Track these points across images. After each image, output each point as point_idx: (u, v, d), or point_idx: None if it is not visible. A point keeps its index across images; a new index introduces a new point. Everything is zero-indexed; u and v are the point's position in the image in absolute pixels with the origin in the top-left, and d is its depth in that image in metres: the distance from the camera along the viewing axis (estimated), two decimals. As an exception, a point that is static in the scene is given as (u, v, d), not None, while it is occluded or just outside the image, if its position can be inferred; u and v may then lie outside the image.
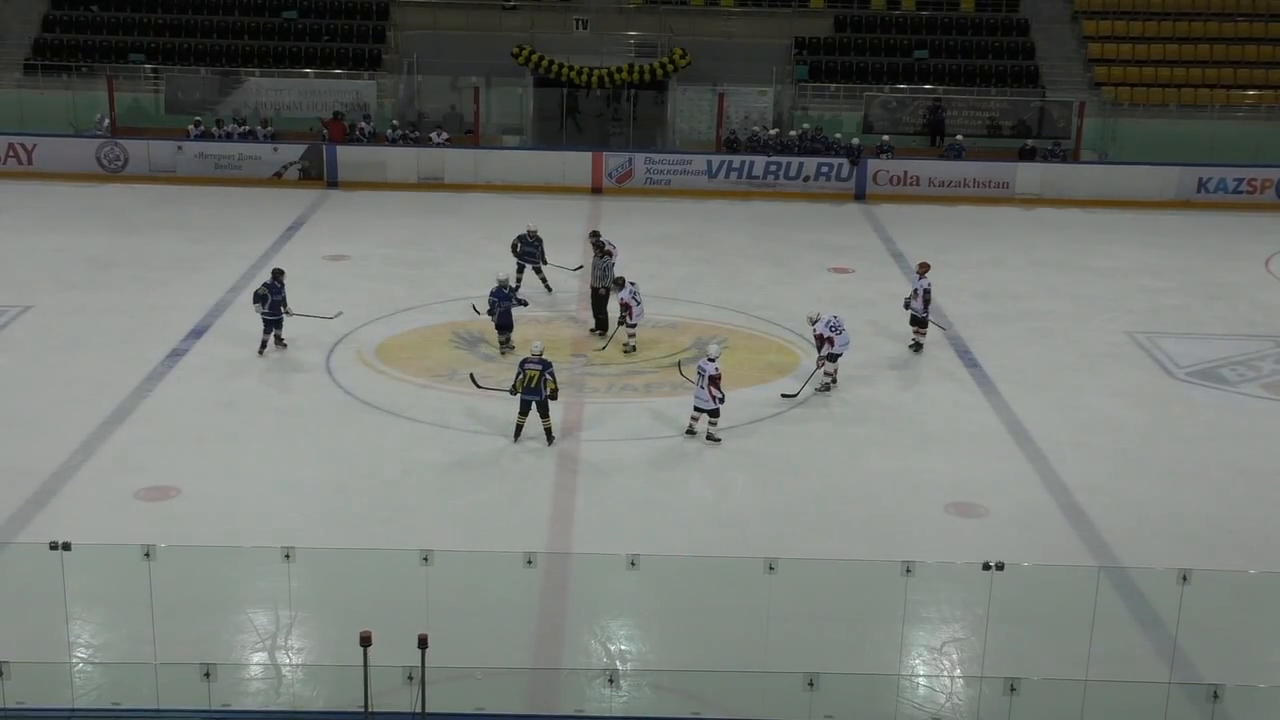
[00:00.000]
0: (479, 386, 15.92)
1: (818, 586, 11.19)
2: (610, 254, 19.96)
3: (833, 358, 16.80)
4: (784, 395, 16.67)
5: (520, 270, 20.53)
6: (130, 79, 31.21)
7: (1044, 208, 28.51)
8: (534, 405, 14.95)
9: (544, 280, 20.77)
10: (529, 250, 20.55)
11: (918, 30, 33.49)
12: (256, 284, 18.38)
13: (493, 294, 17.71)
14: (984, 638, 10.55)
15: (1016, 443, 15.64)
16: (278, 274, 17.87)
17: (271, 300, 17.52)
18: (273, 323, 17.66)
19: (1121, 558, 12.69)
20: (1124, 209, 28.44)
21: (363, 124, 29.85)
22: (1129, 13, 33.66)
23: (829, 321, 16.73)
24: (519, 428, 15.11)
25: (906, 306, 18.54)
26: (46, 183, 27.94)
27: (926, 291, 18.35)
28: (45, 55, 31.88)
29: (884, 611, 10.99)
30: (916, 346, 18.56)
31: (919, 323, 18.55)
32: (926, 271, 18.66)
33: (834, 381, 16.95)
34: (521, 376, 14.93)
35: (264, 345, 17.71)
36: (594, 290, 19.07)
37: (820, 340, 16.74)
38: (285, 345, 17.86)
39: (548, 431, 15.07)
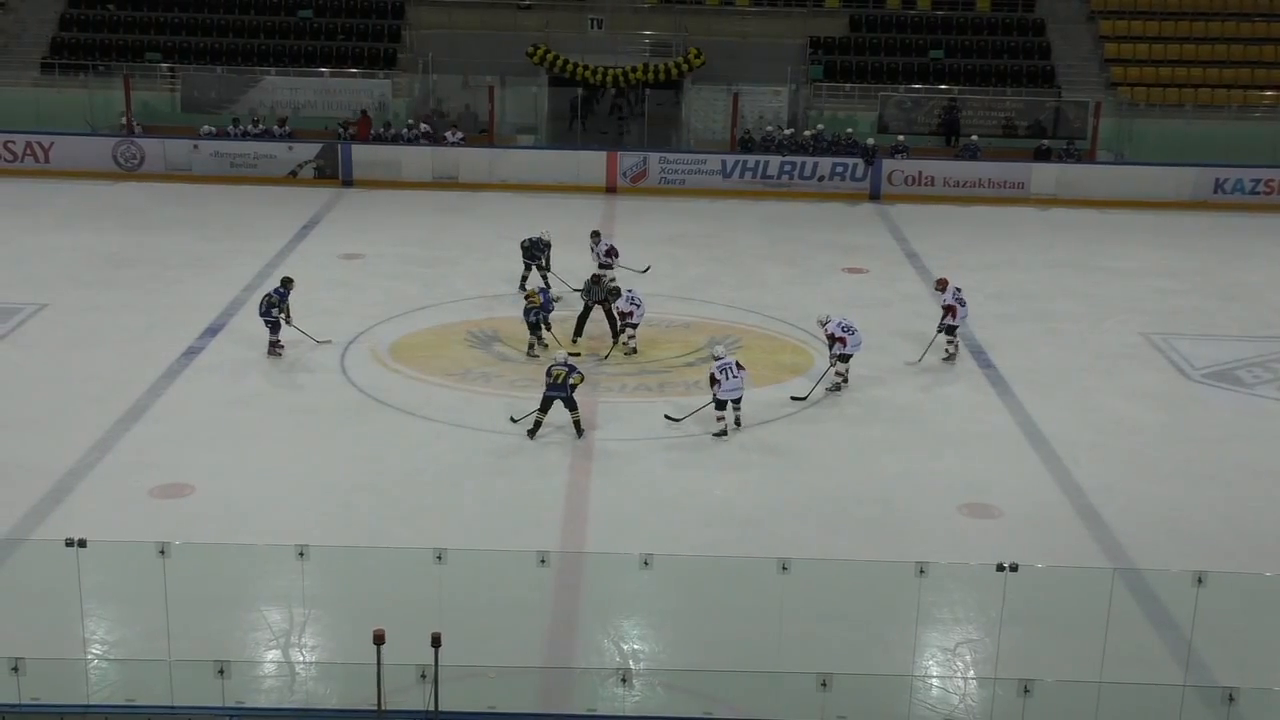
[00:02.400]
0: (516, 420, 15.65)
1: (831, 587, 11.16)
2: (614, 254, 19.97)
3: (844, 358, 16.78)
4: (794, 398, 16.65)
5: (526, 269, 20.67)
6: (146, 78, 31.32)
7: (1059, 208, 28.42)
8: (559, 401, 15.08)
9: (545, 281, 20.80)
10: (532, 252, 20.68)
11: (933, 30, 33.41)
12: (273, 282, 18.44)
13: (543, 303, 17.78)
14: (997, 639, 10.52)
15: (1031, 443, 15.60)
16: (287, 282, 17.89)
17: (282, 306, 17.55)
18: (274, 326, 17.58)
19: (1136, 559, 12.64)
20: (1140, 209, 28.32)
21: (425, 125, 29.95)
22: (1145, 12, 33.51)
23: (840, 323, 16.73)
24: (538, 424, 15.15)
25: (949, 330, 18.19)
26: (63, 181, 28.07)
27: (948, 308, 18.05)
28: (62, 54, 32.01)
29: (897, 612, 10.96)
30: (951, 355, 18.23)
31: (950, 330, 18.22)
32: (946, 288, 18.32)
33: (845, 381, 16.93)
34: (549, 378, 15.12)
35: (273, 346, 17.66)
36: (597, 305, 18.61)
37: (832, 340, 16.72)
38: (280, 353, 17.62)
39: (577, 424, 15.22)
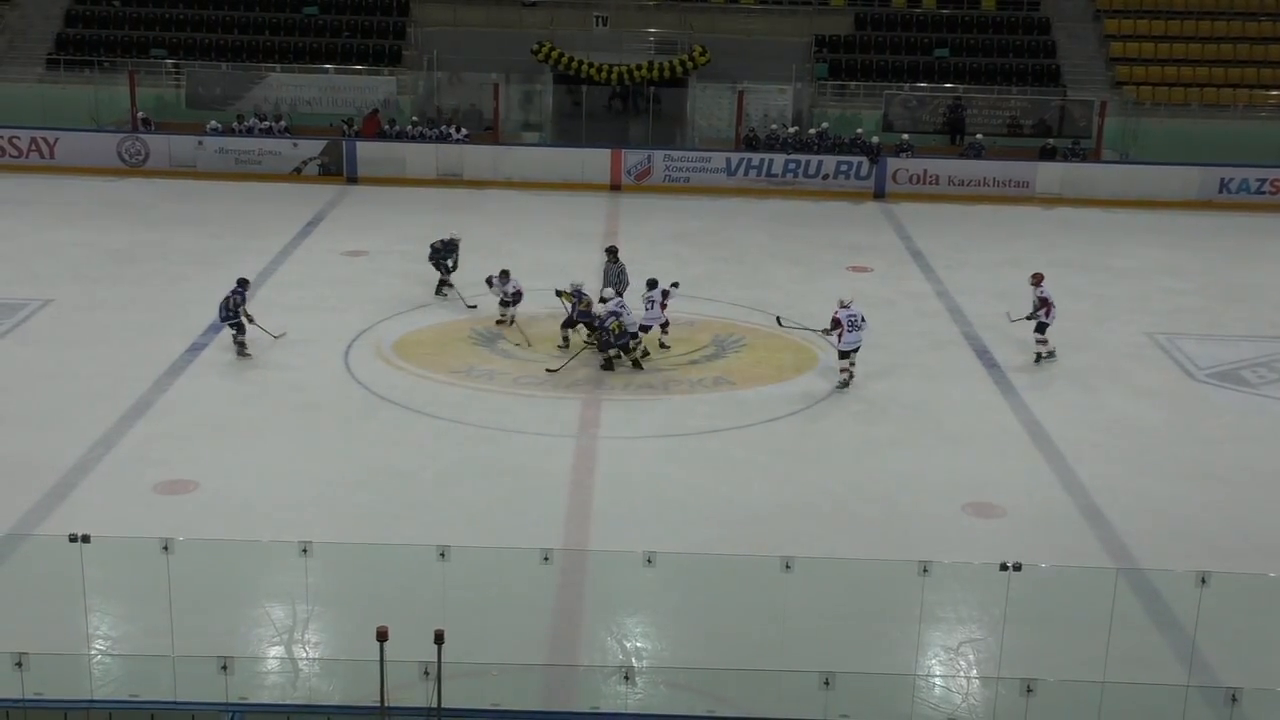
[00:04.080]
0: (552, 371, 17.21)
1: (834, 585, 11.17)
2: (520, 298, 18.96)
3: (843, 354, 16.86)
4: (780, 320, 18.06)
5: (444, 271, 20.27)
6: (152, 74, 31.35)
7: (1064, 207, 28.39)
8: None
9: (447, 284, 20.21)
10: (444, 254, 20.26)
11: (938, 28, 33.39)
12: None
13: (576, 298, 17.86)
14: (1001, 638, 10.51)
15: (1035, 443, 15.58)
16: (244, 283, 17.72)
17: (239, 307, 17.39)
18: (237, 327, 17.44)
19: (1139, 559, 12.63)
20: (1145, 209, 28.29)
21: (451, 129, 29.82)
22: (1151, 12, 33.48)
23: (852, 314, 16.78)
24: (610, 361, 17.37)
25: (1030, 318, 18.15)
26: (68, 176, 28.10)
27: (1044, 300, 17.99)
28: (68, 50, 32.05)
29: (900, 611, 10.96)
30: (1041, 356, 18.14)
31: (1041, 329, 18.15)
32: (1041, 281, 18.26)
33: (851, 377, 16.94)
34: (607, 334, 17.08)
35: (241, 347, 17.49)
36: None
37: (835, 322, 16.76)
38: (249, 354, 17.45)
39: (636, 363, 17.40)
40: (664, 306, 18.06)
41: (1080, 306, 21.10)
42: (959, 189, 28.83)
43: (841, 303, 16.99)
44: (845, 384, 16.89)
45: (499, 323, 18.93)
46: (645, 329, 17.69)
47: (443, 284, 20.32)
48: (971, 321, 20.04)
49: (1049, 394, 17.16)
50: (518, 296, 18.81)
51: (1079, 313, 20.78)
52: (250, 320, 17.52)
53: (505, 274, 18.92)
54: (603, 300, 17.89)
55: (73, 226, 24.29)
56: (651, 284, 18.22)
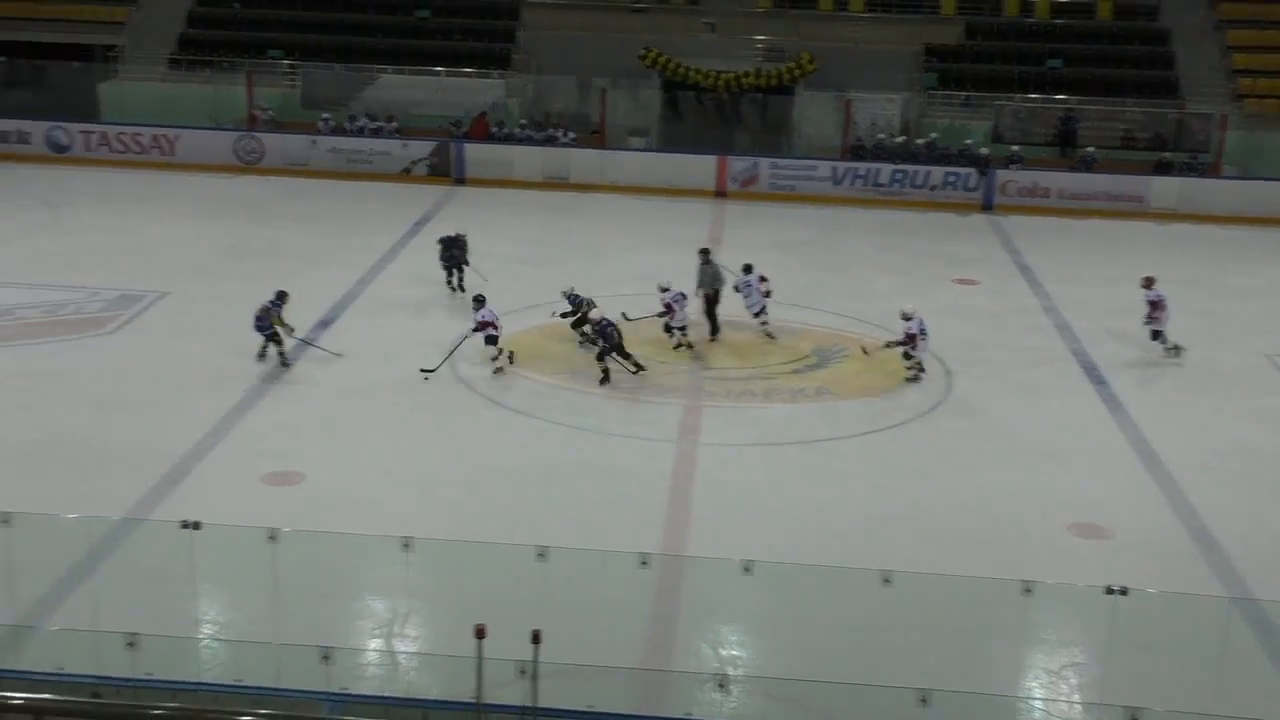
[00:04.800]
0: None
1: (933, 601, 11.00)
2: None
3: (909, 354, 17.28)
4: (865, 350, 17.73)
5: (449, 273, 20.58)
6: (268, 74, 32.13)
7: (1180, 223, 27.64)
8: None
9: (461, 283, 20.57)
10: (452, 253, 20.52)
11: (1051, 38, 32.77)
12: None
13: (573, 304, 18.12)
14: (1105, 664, 10.26)
15: (1144, 464, 15.19)
16: (282, 295, 17.31)
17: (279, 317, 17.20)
18: (269, 338, 17.22)
19: (1254, 589, 12.21)
20: (1266, 226, 27.41)
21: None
22: (1276, 23, 32.44)
23: (920, 323, 17.10)
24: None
25: (1147, 323, 18.56)
26: (186, 173, 28.92)
27: (1153, 305, 18.42)
28: (189, 50, 32.99)
29: (1001, 630, 10.78)
30: (1179, 349, 18.55)
31: (1158, 335, 18.46)
32: (1153, 284, 18.51)
33: (923, 371, 17.32)
34: (612, 327, 16.92)
35: (263, 353, 17.27)
36: (705, 297, 18.96)
37: (910, 337, 17.07)
38: (289, 364, 17.24)
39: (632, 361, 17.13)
40: (765, 293, 18.63)
41: (1196, 325, 20.49)
42: (1070, 203, 28.23)
43: (904, 314, 17.22)
44: (916, 378, 17.27)
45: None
46: (676, 328, 17.95)
47: (451, 282, 20.59)
48: (1080, 338, 19.61)
49: (1159, 414, 16.71)
50: (480, 328, 17.26)
51: (1194, 331, 20.16)
52: (290, 332, 17.17)
53: (479, 299, 17.61)
54: (662, 290, 18.04)
55: (190, 222, 24.98)
56: (747, 269, 18.75)
